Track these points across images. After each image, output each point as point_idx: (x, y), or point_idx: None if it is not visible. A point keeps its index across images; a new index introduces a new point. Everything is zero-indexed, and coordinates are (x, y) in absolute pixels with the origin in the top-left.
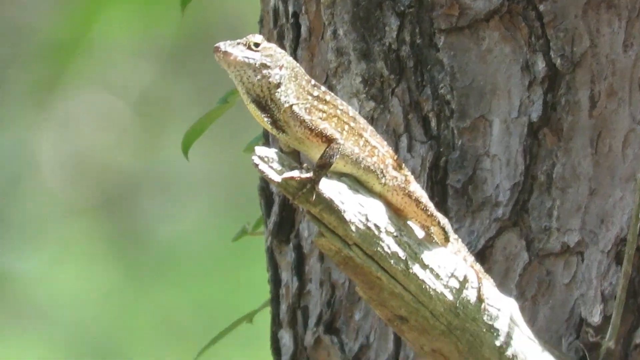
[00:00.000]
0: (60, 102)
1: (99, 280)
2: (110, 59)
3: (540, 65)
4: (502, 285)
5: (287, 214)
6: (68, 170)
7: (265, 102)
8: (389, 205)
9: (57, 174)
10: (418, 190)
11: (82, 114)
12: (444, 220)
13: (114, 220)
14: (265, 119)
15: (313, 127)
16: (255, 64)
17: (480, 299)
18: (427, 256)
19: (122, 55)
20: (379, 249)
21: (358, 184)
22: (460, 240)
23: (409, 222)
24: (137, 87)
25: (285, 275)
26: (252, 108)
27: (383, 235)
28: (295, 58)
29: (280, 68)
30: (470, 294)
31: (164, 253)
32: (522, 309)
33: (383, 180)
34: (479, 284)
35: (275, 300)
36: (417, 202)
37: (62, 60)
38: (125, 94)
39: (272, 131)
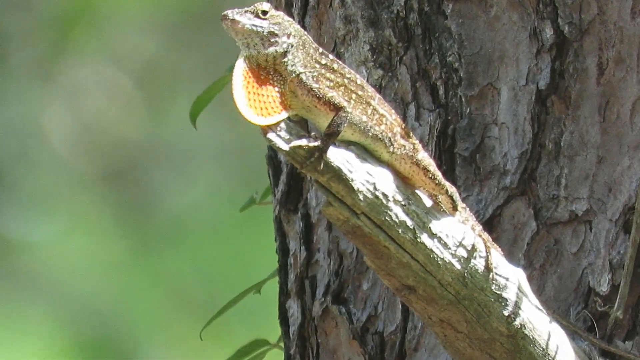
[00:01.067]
0: (67, 74)
1: (108, 250)
2: (116, 30)
3: (548, 32)
4: (510, 254)
5: (295, 183)
6: (76, 141)
7: (267, 74)
8: (396, 173)
9: (65, 146)
10: (426, 158)
11: (88, 86)
12: (452, 189)
13: (123, 190)
14: (244, 107)
15: (321, 95)
16: (263, 32)
17: (488, 268)
18: (435, 225)
19: (128, 26)
20: (386, 218)
21: (366, 153)
22: (468, 209)
23: (417, 191)
24: (144, 57)
25: (293, 244)
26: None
27: (391, 204)
28: (303, 26)
29: (288, 36)
30: (478, 263)
31: (172, 223)
32: (530, 278)
33: (391, 149)
34: (487, 253)
35: (283, 270)
36: (425, 170)
37: (67, 32)
38: (132, 65)
39: (245, 118)
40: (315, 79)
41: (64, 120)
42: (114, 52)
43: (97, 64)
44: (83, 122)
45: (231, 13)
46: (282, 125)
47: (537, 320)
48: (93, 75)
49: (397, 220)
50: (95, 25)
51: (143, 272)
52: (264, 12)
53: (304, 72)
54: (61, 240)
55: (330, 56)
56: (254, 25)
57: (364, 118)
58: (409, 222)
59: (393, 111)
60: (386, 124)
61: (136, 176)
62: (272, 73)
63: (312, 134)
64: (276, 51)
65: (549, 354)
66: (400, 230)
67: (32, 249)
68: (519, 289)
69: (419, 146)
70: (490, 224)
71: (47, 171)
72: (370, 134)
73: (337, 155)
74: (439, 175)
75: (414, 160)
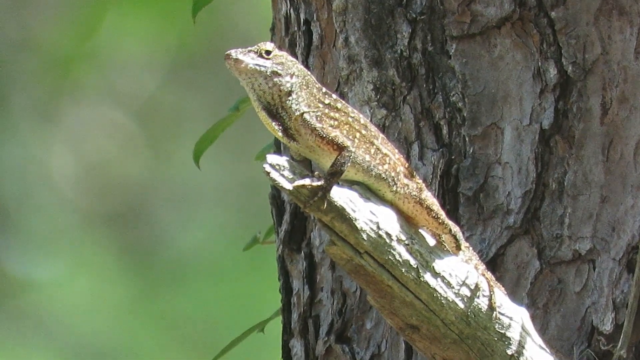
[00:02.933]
0: (70, 115)
1: (111, 290)
2: (119, 70)
3: (552, 72)
4: (514, 293)
5: (298, 223)
6: (80, 182)
7: (276, 110)
8: (400, 213)
9: (69, 186)
10: (429, 198)
11: (91, 126)
12: (455, 228)
13: (126, 230)
14: (276, 127)
15: (324, 135)
16: (267, 71)
17: (491, 308)
18: (438, 264)
19: (130, 66)
20: (390, 257)
21: (369, 192)
22: (471, 248)
23: (420, 230)
24: (146, 97)
25: (297, 283)
26: (263, 116)
27: (394, 244)
28: (307, 66)
29: (292, 76)
30: (482, 303)
31: (175, 262)
32: (534, 318)
33: (394, 188)
34: (490, 292)
35: (286, 309)
36: (429, 210)
37: (69, 73)
38: (135, 105)
39: (283, 140)
40: (318, 119)
41: (68, 161)
42: (116, 92)
43: (99, 104)
44: (86, 162)
45: (235, 52)
46: (286, 164)
47: None
48: (96, 115)
49: (400, 260)
50: (97, 65)
51: (146, 312)
52: (268, 52)
53: (308, 112)
54: (65, 280)
55: (334, 96)
56: (257, 64)
57: (368, 157)
58: (413, 261)
59: (396, 150)
60: (389, 163)
61: (140, 216)
62: (280, 109)
63: (316, 173)
64: (280, 90)
65: None
66: (403, 270)
67: (36, 289)
68: (523, 328)
69: (423, 185)
70: (493, 263)
71: (51, 212)
72: (374, 174)
73: (340, 195)
74: (442, 214)
75: (418, 199)
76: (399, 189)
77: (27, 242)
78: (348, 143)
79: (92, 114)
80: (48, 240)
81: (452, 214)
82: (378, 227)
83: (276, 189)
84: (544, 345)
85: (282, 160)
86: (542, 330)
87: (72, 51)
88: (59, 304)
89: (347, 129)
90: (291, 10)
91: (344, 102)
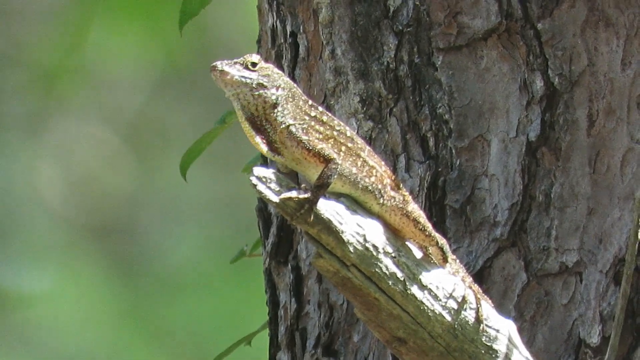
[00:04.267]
0: (58, 130)
1: (101, 303)
2: (105, 85)
3: (539, 84)
4: (501, 305)
5: (285, 235)
6: (68, 196)
7: (261, 122)
8: (387, 225)
9: (57, 200)
10: (416, 210)
11: (79, 140)
12: (442, 241)
13: (114, 244)
14: (259, 141)
15: (310, 148)
16: (252, 83)
17: (478, 320)
18: (425, 277)
19: (116, 81)
20: (377, 269)
21: (356, 204)
22: (458, 260)
23: (407, 243)
24: (133, 111)
25: (284, 296)
26: (246, 128)
27: (381, 256)
28: (293, 78)
29: (278, 88)
30: (469, 315)
31: (164, 276)
32: (521, 330)
33: (381, 201)
34: (477, 304)
35: (273, 322)
36: (416, 222)
37: (56, 88)
38: (122, 119)
39: (266, 154)
40: (304, 131)
41: (56, 175)
42: (103, 106)
43: (86, 118)
44: (74, 176)
45: (220, 64)
46: (272, 177)
47: None
48: (83, 129)
49: (387, 272)
50: (84, 80)
51: (135, 325)
52: (254, 64)
53: (294, 124)
54: (54, 294)
55: (320, 108)
56: (243, 76)
57: (354, 170)
58: (400, 274)
59: (383, 163)
60: (376, 175)
61: (127, 230)
62: (264, 122)
63: (302, 185)
64: (265, 102)
65: None
66: (390, 282)
67: (25, 303)
68: (510, 340)
69: (409, 198)
70: (480, 276)
71: (40, 226)
72: (360, 186)
73: (327, 207)
74: (429, 226)
75: (404, 212)
76: (385, 202)
77: (16, 256)
78: (334, 155)
79: (79, 129)
80: (37, 254)
81: (439, 226)
82: (365, 240)
83: (263, 202)
84: (531, 358)
85: (268, 173)
86: (529, 343)
87: (58, 66)
88: (48, 317)
89: (334, 141)
90: (278, 22)
91: (330, 114)
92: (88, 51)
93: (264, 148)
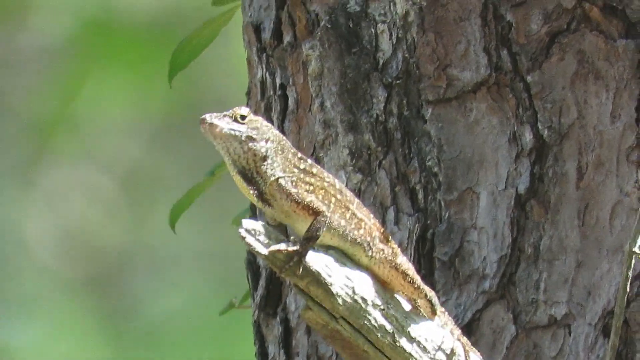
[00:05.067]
0: (48, 179)
1: (90, 355)
2: (97, 134)
3: (528, 136)
4: (490, 358)
5: (274, 287)
6: (58, 246)
7: (251, 175)
8: (376, 278)
9: (47, 251)
10: (405, 263)
11: (70, 190)
12: (431, 293)
13: (104, 295)
14: (252, 192)
15: (299, 200)
16: (242, 136)
17: None
18: (414, 329)
19: (109, 130)
20: (366, 322)
21: (345, 257)
22: (447, 313)
23: (396, 295)
24: (125, 161)
25: (273, 348)
26: (238, 180)
27: (370, 309)
28: (283, 130)
29: (267, 141)
30: None
31: (153, 327)
32: None
33: (370, 253)
34: (466, 357)
35: None
36: (404, 275)
37: (48, 137)
38: (113, 169)
39: (258, 204)
40: (294, 184)
41: (46, 225)
42: (94, 156)
43: (78, 168)
44: (64, 227)
45: (209, 117)
46: (261, 229)
47: None
48: (74, 179)
49: (376, 325)
50: (76, 129)
51: None
52: (243, 117)
53: (283, 177)
54: (42, 346)
55: (309, 160)
56: (232, 129)
57: (343, 222)
58: (388, 326)
59: (372, 215)
60: (365, 228)
61: (117, 281)
62: (254, 174)
63: (291, 238)
64: (255, 155)
65: None
66: (379, 334)
67: (13, 354)
68: None
69: (398, 250)
70: (469, 328)
71: (29, 276)
72: (349, 238)
73: (316, 260)
74: (417, 279)
75: (393, 264)
76: (374, 254)
77: (4, 307)
78: (323, 208)
79: (70, 179)
80: (25, 305)
81: (428, 278)
82: (354, 292)
83: (252, 254)
84: None
85: (257, 225)
86: None
87: (50, 116)
88: None
89: (323, 193)
90: (267, 74)
91: (319, 167)
92: (82, 101)
93: (255, 199)
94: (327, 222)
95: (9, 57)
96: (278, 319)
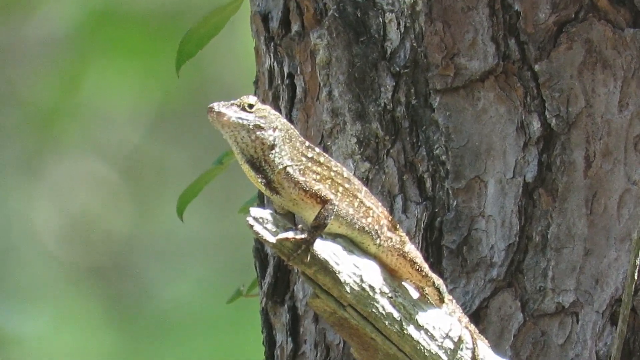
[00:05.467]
0: (54, 168)
1: (96, 343)
2: (102, 124)
3: (536, 125)
4: (497, 346)
5: (281, 275)
6: (64, 235)
7: (259, 163)
8: (383, 266)
9: (53, 240)
10: (413, 251)
11: (75, 180)
12: (438, 281)
13: (111, 284)
14: (260, 180)
15: (307, 189)
16: (249, 125)
17: None
18: (421, 317)
19: (114, 119)
20: (373, 310)
21: (353, 245)
22: (455, 301)
23: (403, 283)
24: (130, 150)
25: (280, 336)
26: (246, 168)
27: (378, 296)
28: (291, 119)
29: (274, 130)
30: (465, 355)
31: (160, 316)
32: None
33: (378, 241)
34: (473, 344)
35: None
36: (412, 263)
37: (53, 127)
38: (118, 158)
39: (266, 192)
40: (301, 172)
41: (52, 215)
42: (100, 145)
43: (83, 157)
44: (70, 216)
45: (217, 106)
46: (269, 217)
47: None
48: (80, 169)
49: (384, 312)
50: (81, 119)
51: None
52: (250, 106)
53: (291, 166)
54: (50, 334)
55: (317, 149)
56: (239, 118)
57: (351, 211)
58: (396, 314)
59: (380, 204)
60: (373, 216)
61: (124, 269)
62: (262, 162)
63: (299, 226)
64: (263, 143)
65: None
66: (387, 322)
67: (20, 343)
68: None
69: (406, 238)
70: (477, 316)
71: (35, 265)
72: (357, 227)
73: (324, 248)
74: (425, 267)
75: (401, 252)
76: (382, 242)
77: (11, 296)
78: (331, 196)
79: (76, 168)
80: (32, 294)
81: (436, 266)
82: (361, 280)
83: (260, 242)
84: None
85: (265, 214)
86: None
87: (55, 105)
88: (44, 358)
89: (330, 182)
90: (275, 63)
91: (327, 155)
92: (85, 90)
93: (263, 187)
94: (335, 210)
95: (15, 47)
96: (286, 306)
